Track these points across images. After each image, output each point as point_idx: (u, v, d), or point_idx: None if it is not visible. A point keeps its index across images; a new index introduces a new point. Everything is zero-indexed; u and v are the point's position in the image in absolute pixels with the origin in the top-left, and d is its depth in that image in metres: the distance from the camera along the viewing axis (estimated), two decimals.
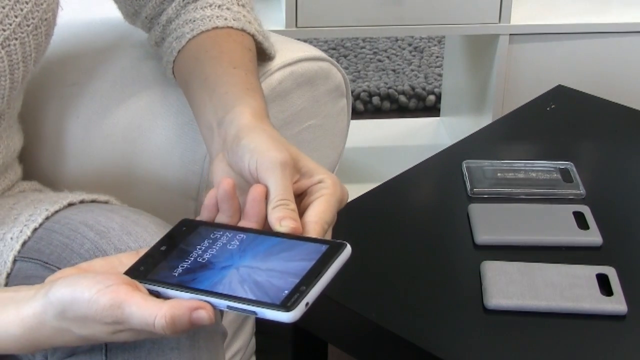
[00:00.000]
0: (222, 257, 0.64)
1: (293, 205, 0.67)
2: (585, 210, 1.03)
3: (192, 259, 0.64)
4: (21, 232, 0.83)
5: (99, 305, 0.58)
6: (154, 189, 1.01)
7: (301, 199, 0.70)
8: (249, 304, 0.58)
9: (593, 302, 0.88)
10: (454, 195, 1.07)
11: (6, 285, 0.82)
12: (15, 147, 0.95)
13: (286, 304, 0.57)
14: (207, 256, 0.64)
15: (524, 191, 1.07)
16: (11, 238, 0.83)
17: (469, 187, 1.07)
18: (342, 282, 0.94)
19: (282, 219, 0.66)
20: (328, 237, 0.69)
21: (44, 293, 0.62)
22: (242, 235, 0.66)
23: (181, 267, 0.63)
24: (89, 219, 0.82)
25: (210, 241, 0.66)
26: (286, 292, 0.58)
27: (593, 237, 0.98)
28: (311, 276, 0.60)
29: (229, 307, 0.59)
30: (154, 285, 0.62)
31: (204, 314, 0.58)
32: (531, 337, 0.85)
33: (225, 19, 0.91)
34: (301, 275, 0.60)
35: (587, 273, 0.91)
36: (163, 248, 0.66)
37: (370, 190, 1.08)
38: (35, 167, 1.05)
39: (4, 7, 0.79)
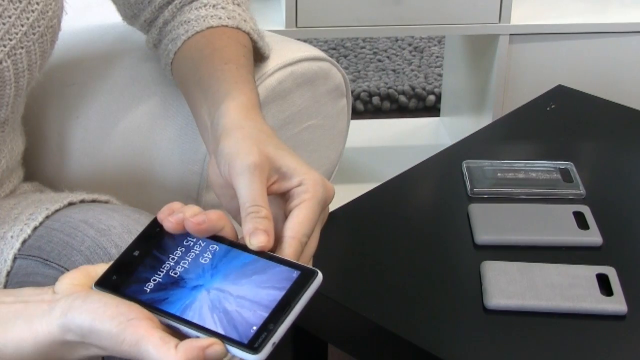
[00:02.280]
0: (194, 274, 0.63)
1: (265, 212, 0.65)
2: (585, 210, 1.03)
3: (164, 271, 0.64)
4: (21, 230, 0.83)
5: (119, 339, 0.58)
6: (154, 189, 1.01)
7: (284, 200, 0.69)
8: (217, 338, 0.58)
9: (593, 302, 0.88)
10: (454, 195, 1.07)
11: (6, 282, 0.82)
12: (19, 149, 0.95)
13: (253, 345, 0.58)
14: (180, 270, 0.64)
15: (524, 191, 1.07)
16: (11, 236, 0.83)
17: (469, 187, 1.07)
18: (342, 282, 0.94)
19: (252, 234, 0.64)
20: (315, 239, 0.68)
21: (60, 313, 0.60)
22: (215, 247, 0.65)
23: (153, 281, 0.63)
24: (89, 217, 0.82)
25: (183, 249, 0.65)
26: (254, 328, 0.58)
27: (593, 237, 0.99)
28: (280, 310, 0.59)
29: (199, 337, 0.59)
30: (126, 300, 0.61)
31: (218, 349, 0.58)
32: (531, 337, 0.85)
33: (220, 18, 0.91)
34: (271, 307, 0.60)
35: (587, 273, 0.91)
36: (136, 253, 0.65)
37: (370, 190, 1.08)
38: (36, 168, 1.05)
39: (10, 17, 0.79)
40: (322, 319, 0.94)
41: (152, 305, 0.61)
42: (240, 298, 0.61)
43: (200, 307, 0.61)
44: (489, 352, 0.84)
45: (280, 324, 0.59)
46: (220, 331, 0.59)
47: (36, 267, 0.80)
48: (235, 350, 0.58)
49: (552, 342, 0.85)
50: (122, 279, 0.63)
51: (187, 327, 0.60)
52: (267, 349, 0.58)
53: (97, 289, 0.63)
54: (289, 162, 0.70)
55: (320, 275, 0.62)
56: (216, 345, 0.58)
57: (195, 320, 0.60)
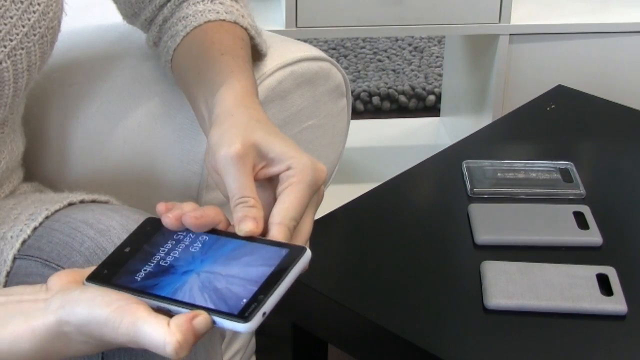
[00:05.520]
0: (184, 261, 0.64)
1: (252, 201, 0.66)
2: (585, 210, 1.03)
3: (155, 262, 0.64)
4: (21, 230, 0.83)
5: (116, 323, 0.58)
6: (154, 189, 1.01)
7: (275, 185, 0.69)
8: (207, 313, 0.59)
9: (593, 302, 0.88)
10: (454, 195, 1.07)
11: (6, 282, 0.82)
12: (18, 150, 0.95)
13: (243, 315, 0.58)
14: (170, 259, 0.64)
15: (524, 191, 1.07)
16: (11, 236, 0.83)
17: (469, 187, 1.07)
18: (342, 282, 0.95)
19: (240, 221, 0.65)
20: (308, 222, 0.68)
21: (57, 306, 0.60)
22: (204, 237, 0.65)
23: (144, 270, 0.63)
24: (89, 217, 0.82)
25: (174, 242, 0.66)
26: (245, 300, 0.59)
27: (593, 237, 0.99)
28: (270, 284, 0.60)
29: None
30: (118, 290, 0.62)
31: (202, 318, 0.58)
32: (531, 337, 0.85)
33: (218, 13, 0.91)
34: (260, 282, 0.60)
35: (587, 273, 0.91)
36: (127, 250, 0.66)
37: (370, 190, 1.08)
38: (36, 168, 1.05)
39: (11, 17, 0.79)
40: (322, 319, 0.94)
41: (143, 292, 0.61)
42: (231, 277, 0.61)
43: (191, 288, 0.61)
44: (489, 352, 0.84)
45: (270, 295, 0.59)
46: (211, 306, 0.59)
47: (36, 268, 0.80)
48: (226, 323, 0.58)
49: (552, 342, 0.85)
50: (113, 272, 0.64)
51: (177, 306, 0.60)
52: (257, 318, 0.58)
53: (88, 283, 0.63)
54: (278, 147, 0.70)
55: (309, 252, 0.63)
56: (201, 316, 0.58)
57: (185, 300, 0.60)
